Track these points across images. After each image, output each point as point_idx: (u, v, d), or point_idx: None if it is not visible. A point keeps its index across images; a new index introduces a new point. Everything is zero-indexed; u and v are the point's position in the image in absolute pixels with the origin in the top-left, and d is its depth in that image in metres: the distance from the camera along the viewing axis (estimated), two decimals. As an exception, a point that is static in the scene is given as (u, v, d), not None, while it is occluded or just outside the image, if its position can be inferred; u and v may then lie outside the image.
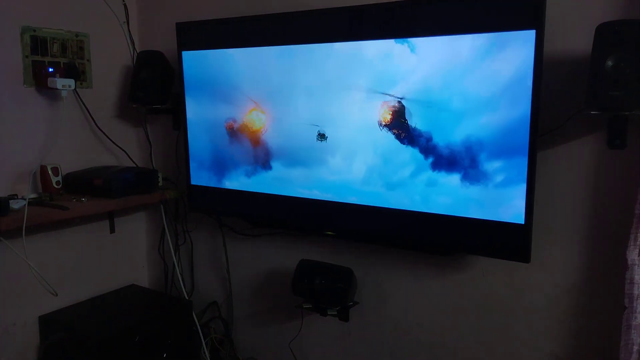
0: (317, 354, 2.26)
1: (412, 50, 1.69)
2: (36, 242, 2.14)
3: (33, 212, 1.94)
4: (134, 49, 2.55)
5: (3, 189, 2.08)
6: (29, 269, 2.02)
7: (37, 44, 2.17)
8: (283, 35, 1.95)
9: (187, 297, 2.53)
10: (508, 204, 1.59)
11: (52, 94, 2.21)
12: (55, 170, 2.17)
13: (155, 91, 2.33)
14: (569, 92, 1.60)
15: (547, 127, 1.60)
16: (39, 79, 2.16)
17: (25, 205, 1.94)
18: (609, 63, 1.42)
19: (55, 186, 2.17)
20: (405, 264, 1.99)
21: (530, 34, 1.49)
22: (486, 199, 1.62)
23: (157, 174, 2.41)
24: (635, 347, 1.48)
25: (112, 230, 2.54)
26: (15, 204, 1.94)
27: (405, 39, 1.69)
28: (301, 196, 2.00)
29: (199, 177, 2.27)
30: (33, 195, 2.12)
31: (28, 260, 1.99)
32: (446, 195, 1.69)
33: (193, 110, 2.23)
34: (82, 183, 2.23)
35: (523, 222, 1.57)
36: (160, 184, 2.43)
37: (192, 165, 2.28)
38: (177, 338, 2.32)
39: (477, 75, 1.59)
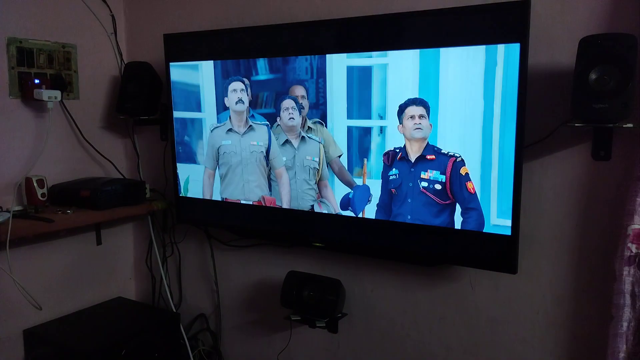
0: (306, 366, 2.25)
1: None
2: (20, 255, 2.11)
3: (17, 224, 1.92)
4: (122, 60, 2.54)
5: (-13, 201, 2.06)
6: (13, 283, 1.99)
7: (24, 56, 2.16)
8: (271, 48, 1.96)
9: (174, 310, 2.51)
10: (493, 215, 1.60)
11: (38, 106, 2.19)
12: (41, 182, 2.15)
13: (143, 102, 2.32)
14: (554, 104, 1.62)
15: (533, 138, 1.62)
16: (24, 91, 2.14)
17: (9, 218, 1.91)
18: (592, 76, 1.44)
19: (41, 198, 2.14)
20: (394, 274, 1.99)
21: (515, 47, 1.51)
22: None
23: (144, 185, 2.40)
24: (622, 355, 1.49)
25: (99, 242, 2.52)
26: (-1, 217, 1.91)
27: (385, 52, 1.71)
28: (289, 207, 1.99)
29: (187, 188, 2.26)
30: (18, 208, 2.10)
31: (12, 274, 1.96)
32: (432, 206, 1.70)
33: (180, 121, 2.23)
34: (68, 195, 2.21)
35: (509, 234, 1.58)
36: (147, 195, 2.41)
37: (181, 176, 2.27)
38: (165, 351, 2.29)
39: (463, 86, 1.61)
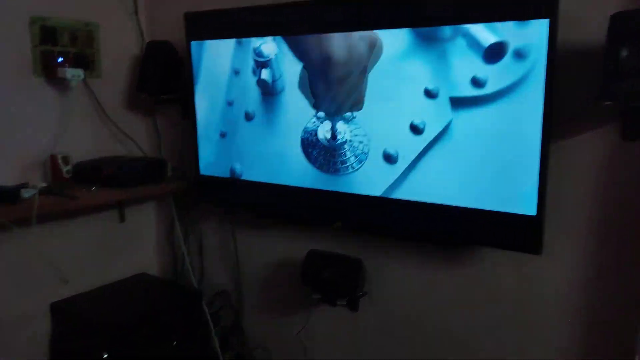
0: (326, 343, 2.27)
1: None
2: (46, 231, 2.16)
3: (44, 201, 1.95)
4: (143, 38, 2.55)
5: (14, 178, 2.09)
6: (40, 257, 2.04)
7: (47, 34, 2.17)
8: (294, 25, 1.93)
9: (196, 286, 2.55)
10: (520, 195, 1.58)
11: (61, 84, 2.21)
12: (65, 160, 2.18)
13: (164, 81, 2.33)
14: (583, 83, 1.57)
15: (560, 117, 1.58)
16: (48, 69, 2.16)
17: (36, 194, 1.95)
18: (623, 53, 1.39)
19: (65, 175, 2.18)
20: (415, 255, 1.99)
21: (544, 23, 1.46)
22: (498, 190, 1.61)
23: (166, 164, 2.42)
24: None
25: (122, 220, 2.56)
26: (26, 193, 1.95)
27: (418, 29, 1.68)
28: (310, 187, 1.99)
29: (208, 167, 2.27)
30: (43, 185, 2.13)
31: (39, 249, 2.01)
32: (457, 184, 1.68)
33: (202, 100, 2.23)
34: (91, 173, 2.24)
35: (535, 214, 1.55)
36: (169, 174, 2.43)
37: (202, 155, 2.28)
38: (187, 326, 2.34)
39: (492, 63, 1.57)
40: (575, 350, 1.71)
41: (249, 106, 2.09)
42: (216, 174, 2.25)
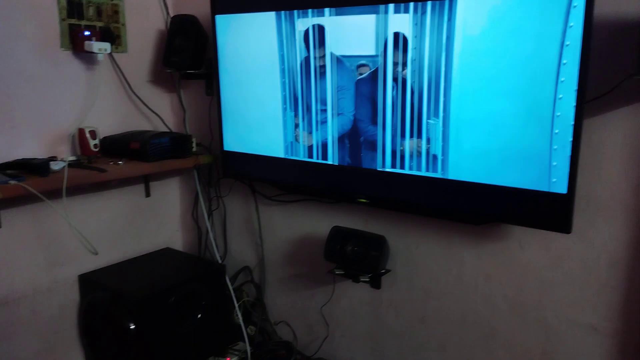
0: (348, 319, 2.29)
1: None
2: (76, 203, 2.20)
3: (72, 173, 1.98)
4: (168, 13, 2.54)
5: (43, 151, 2.13)
6: (69, 228, 2.08)
7: (73, 8, 2.18)
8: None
9: (220, 261, 2.58)
10: (550, 172, 1.54)
11: (88, 58, 2.22)
12: (93, 134, 2.21)
13: (189, 56, 2.33)
14: (619, 57, 1.52)
15: (595, 93, 1.54)
16: (75, 43, 2.17)
17: (65, 166, 1.98)
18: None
19: (93, 149, 2.21)
20: (439, 232, 1.97)
21: (581, -5, 1.41)
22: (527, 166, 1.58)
23: (191, 139, 2.43)
24: None
25: (148, 194, 2.59)
26: (55, 166, 1.98)
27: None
28: (333, 162, 1.98)
29: (232, 142, 2.28)
30: (72, 158, 2.17)
31: (69, 219, 2.04)
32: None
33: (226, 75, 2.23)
34: (118, 147, 2.27)
35: (565, 192, 1.52)
36: (194, 149, 2.44)
37: (226, 130, 2.29)
38: (211, 300, 2.37)
39: (525, 36, 1.53)
40: (604, 332, 1.68)
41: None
42: (240, 150, 2.25)
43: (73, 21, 2.18)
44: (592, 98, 1.54)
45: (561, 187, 1.53)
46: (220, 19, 2.18)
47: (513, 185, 1.61)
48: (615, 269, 1.64)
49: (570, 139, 1.48)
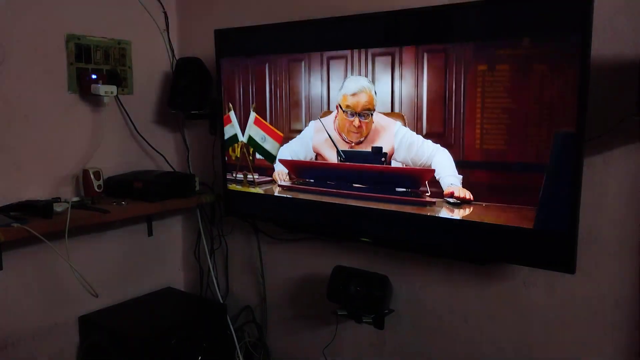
0: (351, 361, 2.25)
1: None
2: (77, 244, 2.19)
3: (75, 215, 1.99)
4: (173, 55, 2.60)
5: (47, 192, 2.14)
6: (71, 270, 2.07)
7: (81, 52, 2.23)
8: (323, 42, 1.95)
9: (221, 301, 2.55)
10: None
11: (94, 100, 2.26)
12: (97, 174, 2.22)
13: (194, 97, 2.37)
14: (617, 97, 1.54)
15: (595, 132, 1.55)
16: (82, 86, 2.22)
17: (68, 208, 1.99)
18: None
19: (97, 190, 2.22)
20: (443, 272, 1.96)
21: (576, 38, 1.44)
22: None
23: (194, 179, 2.44)
24: None
25: (150, 234, 2.59)
26: (58, 207, 1.99)
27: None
28: (336, 202, 1.99)
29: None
30: (76, 199, 2.18)
31: (70, 262, 2.04)
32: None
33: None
34: (122, 187, 2.28)
35: (566, 230, 1.51)
36: (197, 188, 2.45)
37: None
38: (212, 341, 2.34)
39: (523, 75, 1.56)
40: (612, 373, 1.65)
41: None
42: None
43: (81, 65, 2.23)
44: (593, 137, 1.55)
45: (562, 225, 1.52)
46: (225, 62, 2.23)
47: (514, 223, 1.61)
48: (621, 309, 1.62)
49: (570, 176, 1.49)
